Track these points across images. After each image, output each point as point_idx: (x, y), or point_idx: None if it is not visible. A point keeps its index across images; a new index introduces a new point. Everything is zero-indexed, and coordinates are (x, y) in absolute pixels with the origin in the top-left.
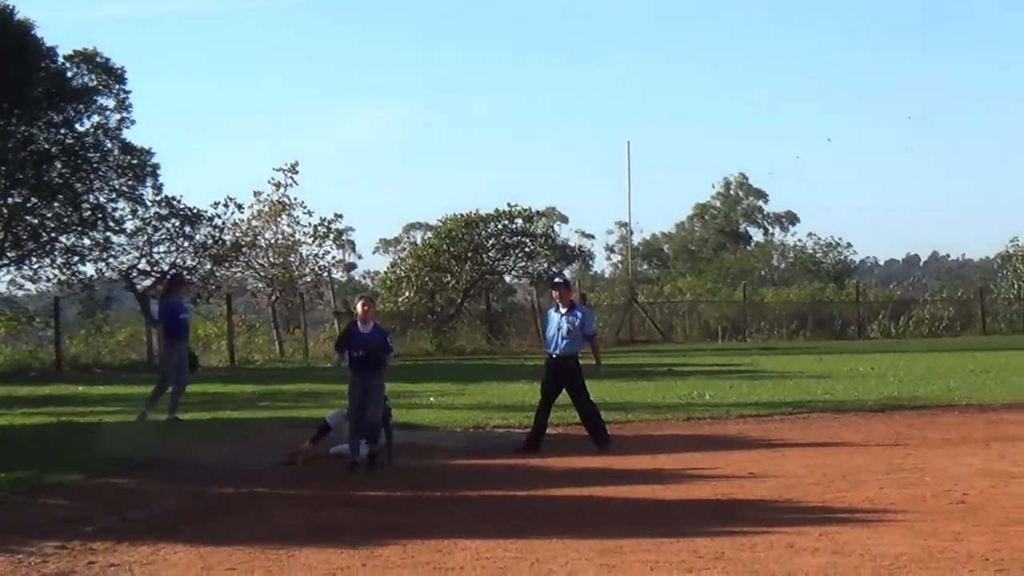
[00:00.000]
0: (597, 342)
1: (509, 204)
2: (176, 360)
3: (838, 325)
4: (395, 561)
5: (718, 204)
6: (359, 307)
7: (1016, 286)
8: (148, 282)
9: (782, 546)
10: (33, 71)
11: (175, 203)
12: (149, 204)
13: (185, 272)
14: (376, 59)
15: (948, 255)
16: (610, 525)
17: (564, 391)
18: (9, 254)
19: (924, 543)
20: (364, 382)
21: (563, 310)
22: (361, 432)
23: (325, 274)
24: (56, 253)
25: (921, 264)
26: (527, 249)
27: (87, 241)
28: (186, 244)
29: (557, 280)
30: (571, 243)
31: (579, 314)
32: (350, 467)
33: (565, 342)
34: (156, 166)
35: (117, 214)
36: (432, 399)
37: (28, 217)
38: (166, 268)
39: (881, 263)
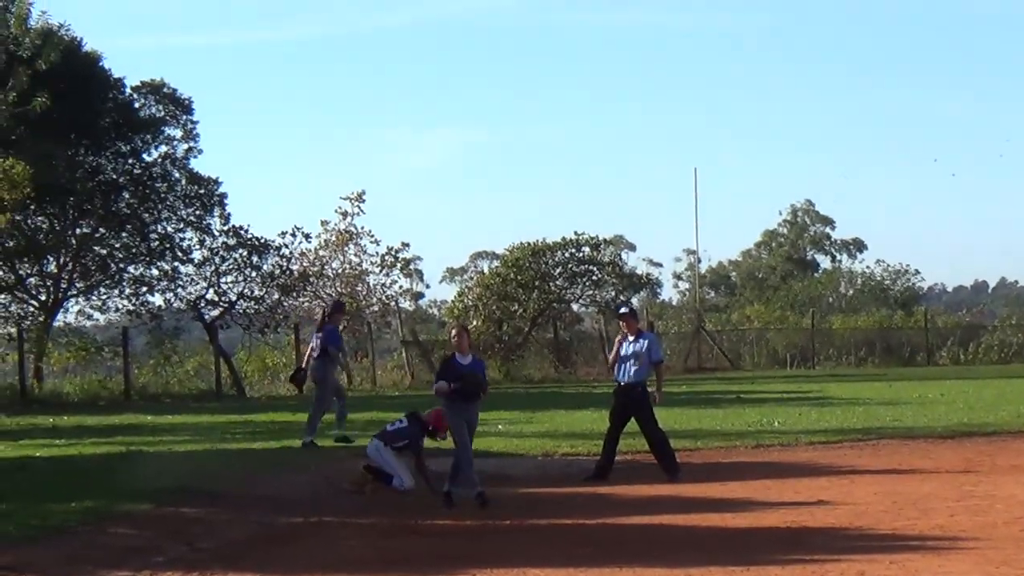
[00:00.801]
0: (663, 369)
1: (576, 232)
2: (334, 384)
3: (907, 352)
4: None
5: (785, 231)
6: (454, 337)
7: None
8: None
9: (852, 574)
10: (101, 102)
11: (242, 233)
12: (216, 234)
13: (253, 302)
14: (442, 85)
15: (1016, 281)
16: (679, 553)
17: (632, 419)
18: (78, 284)
19: (996, 571)
20: (464, 415)
21: (631, 338)
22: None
23: (392, 303)
24: (124, 283)
25: (989, 291)
26: (594, 277)
27: (155, 271)
28: (254, 274)
29: (623, 311)
30: (638, 271)
31: (644, 341)
32: (480, 501)
33: (634, 369)
34: (223, 196)
35: (185, 244)
36: (501, 427)
37: (96, 247)
38: (233, 298)
39: (949, 290)
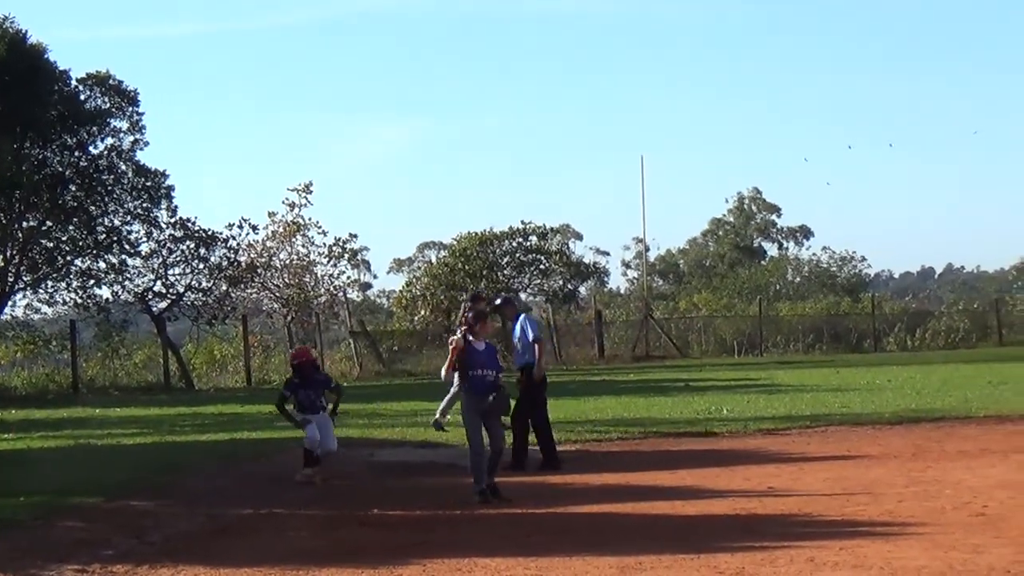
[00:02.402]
0: (541, 346)
1: (523, 222)
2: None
3: (854, 338)
4: None
5: (732, 219)
6: (470, 319)
7: None
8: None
9: (802, 560)
10: (46, 94)
11: (190, 225)
12: (164, 226)
13: (201, 294)
14: (387, 77)
15: (963, 267)
16: (630, 542)
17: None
18: (25, 278)
19: (945, 556)
20: (482, 405)
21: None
22: (491, 460)
23: (340, 294)
24: (72, 276)
25: (936, 276)
26: (542, 267)
27: (102, 264)
28: (201, 266)
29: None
30: (586, 260)
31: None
32: (481, 497)
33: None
34: (171, 188)
35: (132, 236)
36: (449, 417)
37: (43, 241)
38: (181, 290)
39: (896, 276)
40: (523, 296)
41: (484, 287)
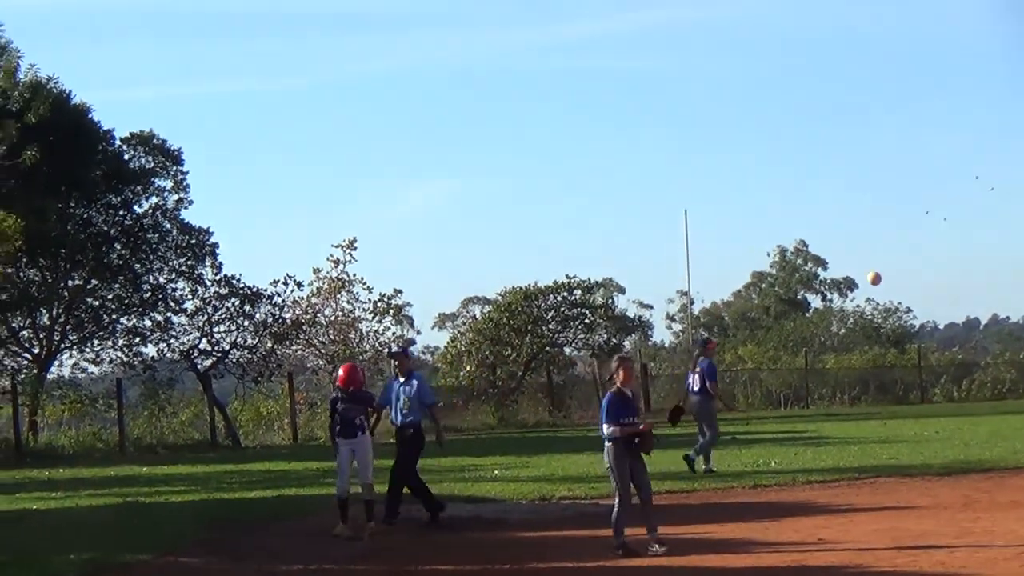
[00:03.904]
0: (437, 411)
1: (567, 276)
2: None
3: (900, 390)
4: None
5: (775, 272)
6: (621, 372)
7: None
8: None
9: None
10: (91, 154)
11: (234, 282)
12: (209, 284)
13: (246, 351)
14: (430, 135)
15: (1008, 317)
16: None
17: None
18: (71, 336)
19: None
20: (630, 456)
21: (401, 379)
22: (642, 511)
23: (385, 350)
24: (117, 334)
25: (981, 327)
26: (587, 321)
27: (148, 322)
28: (246, 323)
29: (395, 350)
30: (629, 313)
31: (415, 383)
32: (624, 551)
33: (403, 412)
34: (215, 246)
35: (177, 294)
36: (497, 472)
37: (89, 299)
38: (226, 347)
39: (941, 327)
40: (567, 350)
41: (528, 341)
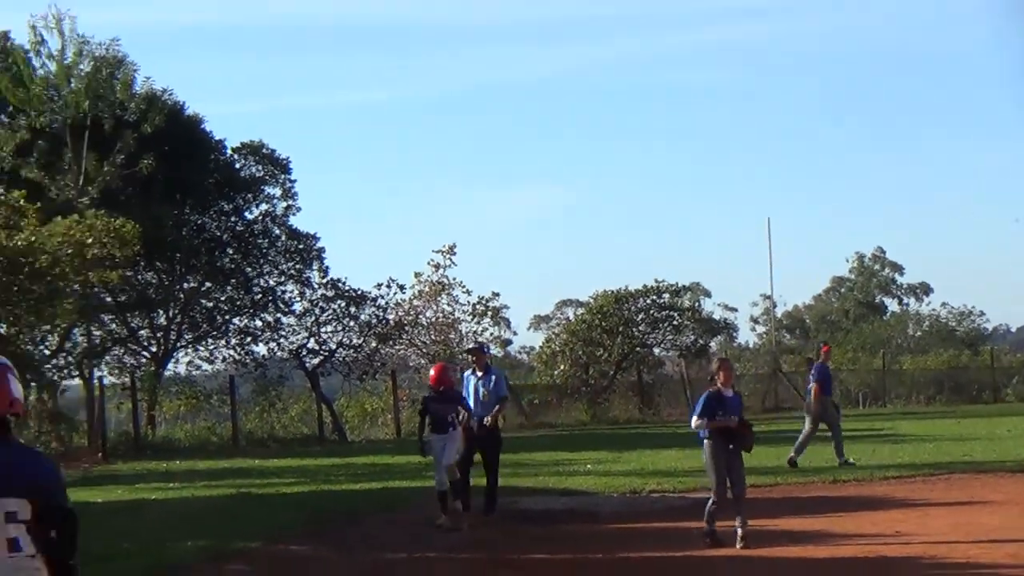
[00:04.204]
0: (504, 404)
1: (656, 280)
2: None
3: (974, 390)
4: None
5: (853, 277)
6: (721, 373)
7: None
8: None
9: None
10: (203, 163)
11: (340, 285)
12: (316, 287)
13: (352, 350)
14: (526, 145)
15: None
16: None
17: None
18: (186, 336)
19: None
20: (726, 452)
21: (479, 374)
22: (734, 506)
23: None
24: (230, 334)
25: None
26: (675, 323)
27: (259, 322)
28: (352, 324)
29: (473, 346)
30: (715, 316)
31: (493, 377)
32: (711, 540)
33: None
34: (321, 250)
35: (286, 296)
36: (589, 467)
37: (203, 300)
38: (333, 347)
39: (1013, 330)
40: (656, 351)
41: (620, 342)
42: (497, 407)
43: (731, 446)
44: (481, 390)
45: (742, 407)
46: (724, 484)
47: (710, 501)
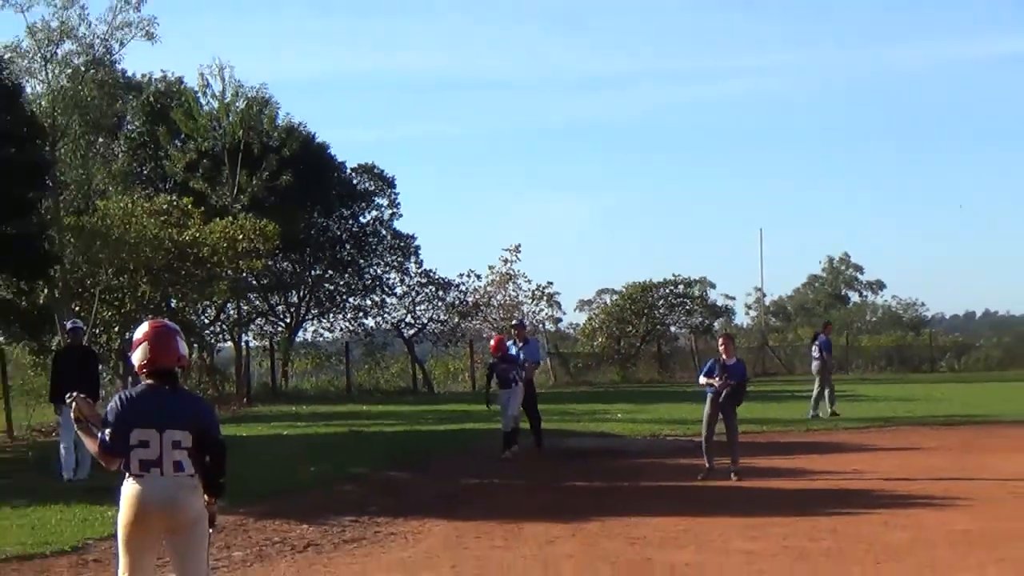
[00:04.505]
0: (533, 366)
1: (673, 275)
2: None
3: (916, 362)
4: (595, 532)
5: (824, 275)
6: (722, 346)
7: None
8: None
9: (879, 523)
10: (328, 179)
11: (431, 274)
12: (412, 276)
13: (439, 324)
14: (567, 163)
15: (997, 311)
16: (752, 506)
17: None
18: (313, 311)
19: (986, 523)
20: (718, 405)
21: (520, 343)
22: (728, 447)
23: (540, 326)
24: (347, 311)
25: (977, 318)
26: (687, 307)
27: (368, 302)
28: (439, 304)
29: (516, 323)
30: (718, 303)
31: (530, 345)
32: (705, 474)
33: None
34: (417, 247)
35: (389, 282)
36: (620, 415)
37: (326, 285)
38: (425, 321)
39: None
40: (672, 328)
41: (644, 321)
42: (529, 366)
43: (721, 400)
44: (521, 356)
45: (745, 373)
46: (710, 428)
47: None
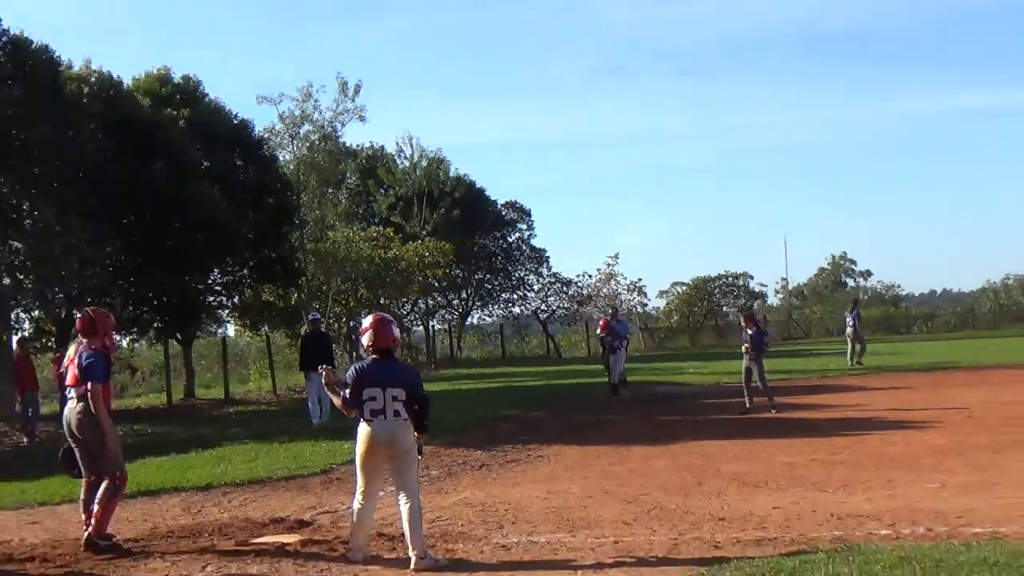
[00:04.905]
0: (624, 340)
1: (725, 270)
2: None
3: (897, 328)
4: (678, 451)
5: (828, 267)
6: (744, 321)
7: (992, 307)
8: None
9: (879, 441)
10: (485, 212)
11: (558, 276)
12: (544, 276)
13: (563, 310)
14: (650, 191)
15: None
16: (789, 431)
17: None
18: (477, 303)
19: (953, 438)
20: (748, 361)
21: (615, 322)
22: (763, 391)
23: (633, 309)
24: (500, 303)
25: (938, 294)
26: (735, 293)
27: (515, 296)
28: (564, 295)
29: (610, 313)
30: (756, 289)
31: (623, 325)
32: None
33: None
34: (548, 257)
35: (529, 282)
36: (691, 370)
37: (486, 285)
38: (554, 308)
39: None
40: (724, 308)
41: (705, 304)
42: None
43: (749, 357)
44: (621, 332)
45: (762, 339)
46: (746, 376)
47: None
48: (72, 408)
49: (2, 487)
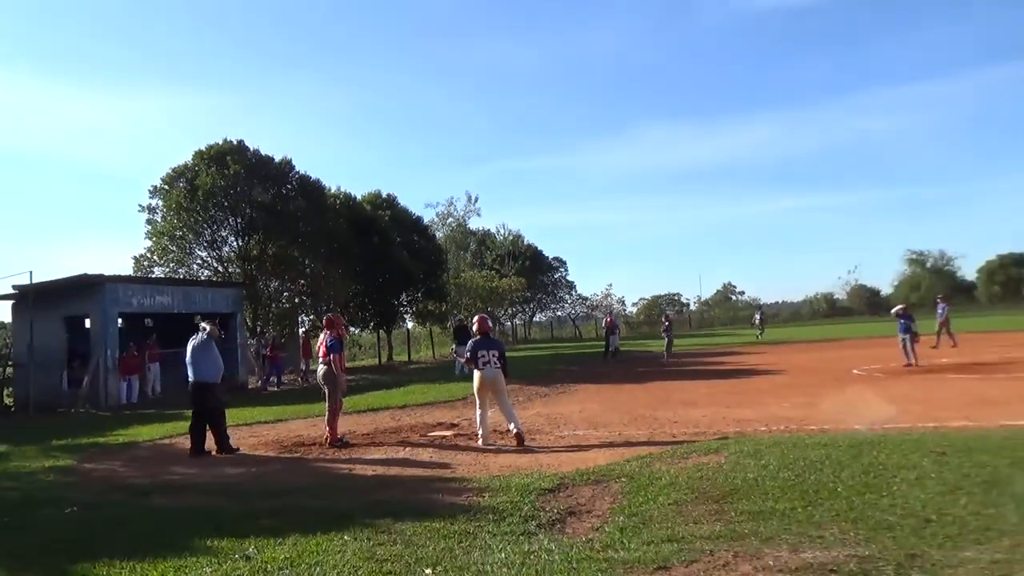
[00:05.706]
0: (670, 332)
1: (667, 291)
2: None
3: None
4: (650, 387)
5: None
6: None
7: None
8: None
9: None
10: (542, 262)
11: (581, 295)
12: (573, 296)
13: (584, 312)
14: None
15: (788, 300)
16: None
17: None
18: (538, 310)
19: (796, 379)
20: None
21: (667, 324)
22: None
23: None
24: (547, 309)
25: (780, 303)
26: (671, 304)
27: (558, 305)
28: (583, 305)
29: (668, 317)
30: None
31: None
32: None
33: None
34: (574, 284)
35: (565, 298)
36: (653, 347)
37: (539, 301)
38: (578, 312)
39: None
40: (667, 311)
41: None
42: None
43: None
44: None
45: (670, 330)
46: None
47: None
48: (321, 369)
49: (294, 407)
